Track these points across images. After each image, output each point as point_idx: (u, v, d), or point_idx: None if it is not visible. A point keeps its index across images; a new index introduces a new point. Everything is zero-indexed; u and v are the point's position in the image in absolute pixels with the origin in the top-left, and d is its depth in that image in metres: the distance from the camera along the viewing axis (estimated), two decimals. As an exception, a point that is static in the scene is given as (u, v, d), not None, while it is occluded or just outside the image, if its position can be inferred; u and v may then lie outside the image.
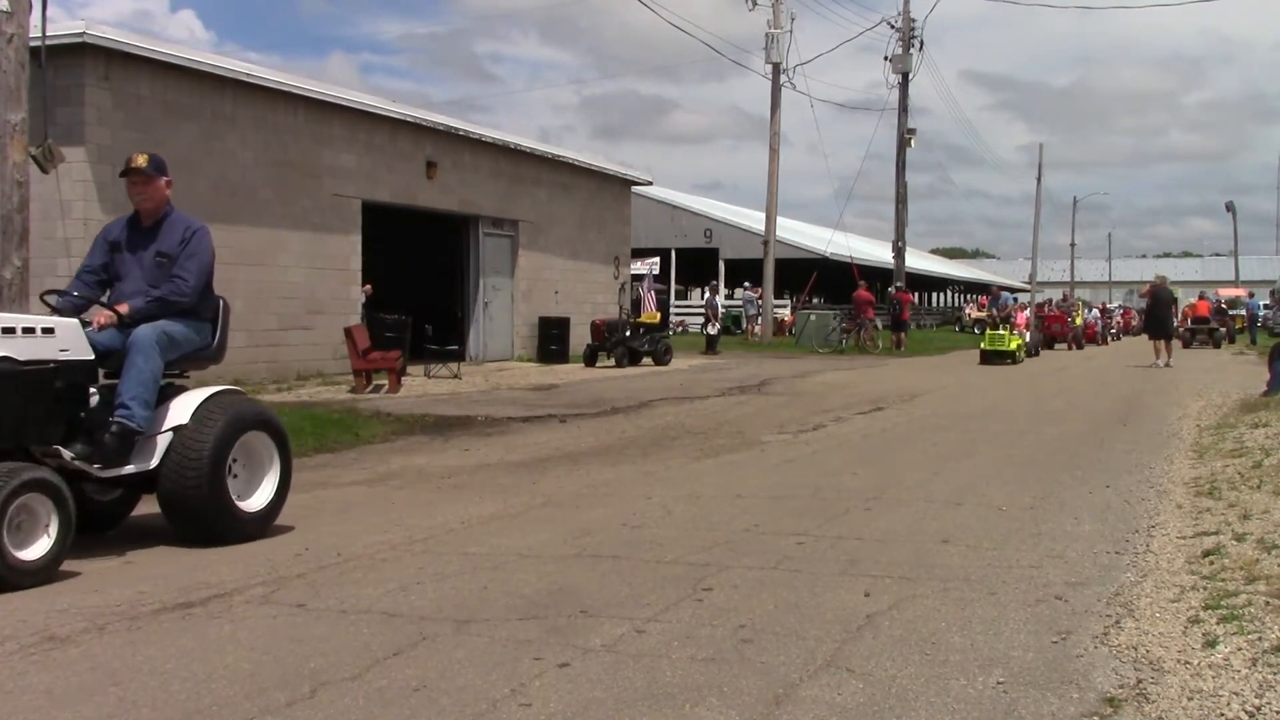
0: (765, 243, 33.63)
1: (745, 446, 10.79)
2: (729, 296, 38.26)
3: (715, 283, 40.04)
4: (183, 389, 6.50)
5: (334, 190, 18.39)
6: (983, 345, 27.04)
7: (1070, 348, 34.61)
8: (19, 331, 5.76)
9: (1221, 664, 4.16)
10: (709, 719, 3.70)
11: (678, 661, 4.26)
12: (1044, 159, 54.29)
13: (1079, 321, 38.71)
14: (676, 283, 49.76)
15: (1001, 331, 27.09)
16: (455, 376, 18.33)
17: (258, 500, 6.58)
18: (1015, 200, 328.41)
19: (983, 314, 40.46)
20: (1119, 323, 51.62)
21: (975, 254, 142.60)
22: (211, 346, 6.74)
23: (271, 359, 16.85)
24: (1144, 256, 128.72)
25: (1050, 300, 44.64)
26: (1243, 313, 44.71)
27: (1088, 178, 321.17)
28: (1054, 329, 35.10)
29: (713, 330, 29.49)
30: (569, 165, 25.64)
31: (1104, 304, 59.07)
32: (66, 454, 5.77)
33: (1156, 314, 24.98)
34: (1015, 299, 41.79)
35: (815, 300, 47.16)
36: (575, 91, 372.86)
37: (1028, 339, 29.31)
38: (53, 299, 6.54)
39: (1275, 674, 3.99)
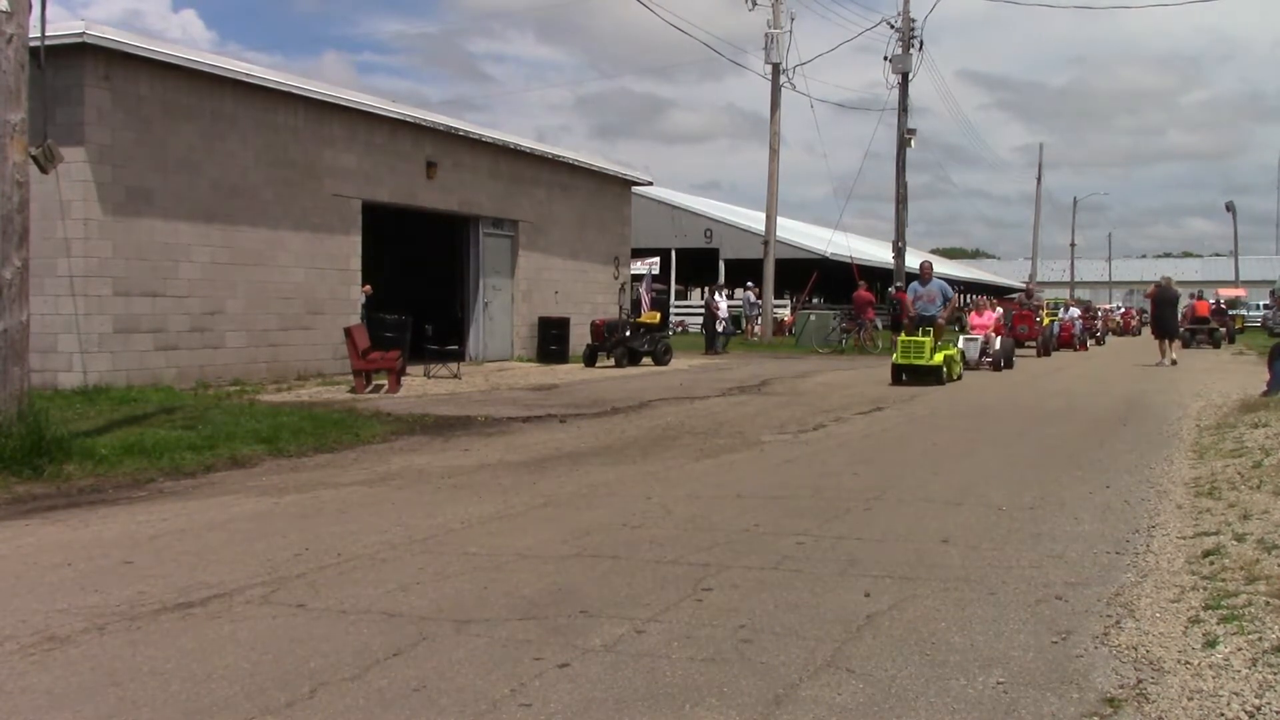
0: (765, 243, 33.66)
1: (745, 446, 10.79)
2: (730, 297, 38.11)
3: (720, 285, 39.99)
4: None
5: (334, 190, 18.40)
6: (894, 358, 18.59)
7: (1038, 354, 28.70)
8: None
9: (1221, 664, 4.16)
10: (709, 719, 3.70)
11: (678, 661, 4.26)
12: (1043, 159, 53.35)
13: (1053, 321, 33.16)
14: (676, 283, 49.78)
15: (921, 338, 18.13)
16: (455, 377, 18.34)
17: None
18: (1015, 200, 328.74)
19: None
20: (1103, 324, 45.92)
21: (975, 254, 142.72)
22: None
23: (271, 359, 16.83)
24: (1144, 256, 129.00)
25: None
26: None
27: (1087, 178, 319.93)
28: (1019, 330, 29.13)
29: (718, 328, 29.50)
30: (568, 165, 25.64)
31: (1089, 303, 52.76)
32: None
33: (1160, 314, 25.41)
34: (992, 297, 34.12)
35: (815, 300, 47.20)
36: (572, 91, 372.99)
37: (997, 346, 22.93)
38: None
39: (1275, 674, 3.99)
